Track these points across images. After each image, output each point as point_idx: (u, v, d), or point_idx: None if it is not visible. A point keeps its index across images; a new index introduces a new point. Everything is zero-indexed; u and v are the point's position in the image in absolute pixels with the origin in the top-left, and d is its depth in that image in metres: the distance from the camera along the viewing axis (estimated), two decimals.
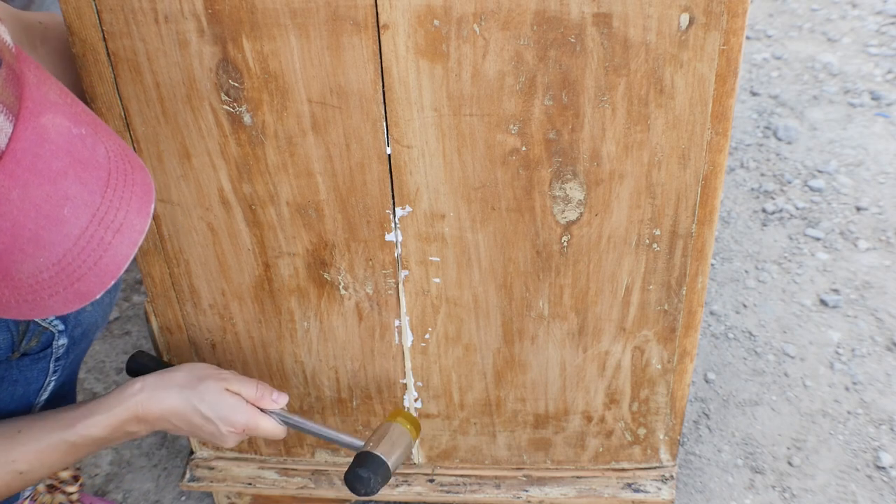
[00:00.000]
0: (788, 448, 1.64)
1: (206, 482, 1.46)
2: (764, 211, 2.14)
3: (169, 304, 1.28)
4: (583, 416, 1.34)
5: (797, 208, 2.14)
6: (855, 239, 2.05)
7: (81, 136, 0.81)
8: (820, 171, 2.24)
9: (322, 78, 1.03)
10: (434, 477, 1.44)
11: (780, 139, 2.36)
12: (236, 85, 1.05)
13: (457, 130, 1.06)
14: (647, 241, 1.14)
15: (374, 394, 1.35)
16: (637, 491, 1.39)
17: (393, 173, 1.11)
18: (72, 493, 1.48)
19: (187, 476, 1.46)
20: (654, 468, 1.40)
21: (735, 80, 1.00)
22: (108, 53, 1.04)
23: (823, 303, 1.91)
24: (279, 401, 1.19)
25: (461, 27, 0.98)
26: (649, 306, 1.21)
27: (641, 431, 1.35)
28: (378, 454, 1.15)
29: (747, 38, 2.72)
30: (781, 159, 2.29)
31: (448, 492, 1.42)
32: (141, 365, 1.26)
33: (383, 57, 1.01)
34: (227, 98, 1.06)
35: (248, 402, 1.17)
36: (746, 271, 1.99)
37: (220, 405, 1.14)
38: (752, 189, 2.21)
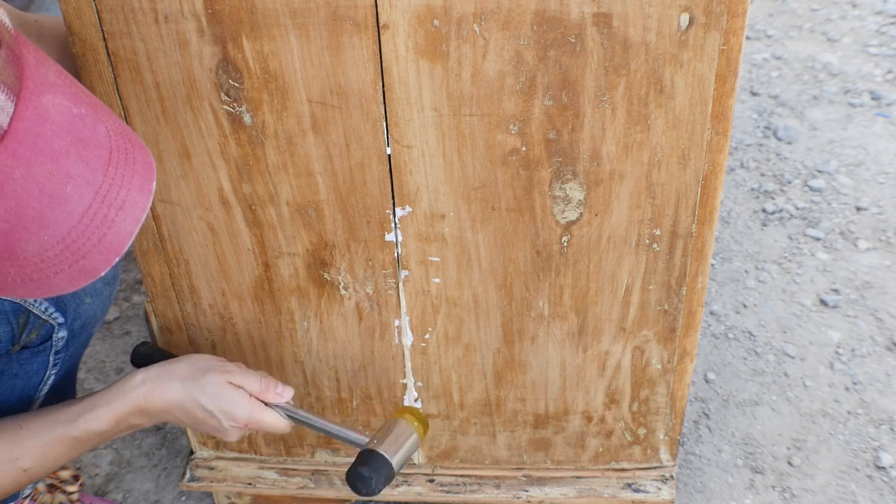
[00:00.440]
0: (788, 448, 1.64)
1: (206, 482, 1.46)
2: (764, 211, 2.14)
3: (169, 304, 1.28)
4: (583, 416, 1.34)
5: (797, 208, 2.14)
6: (855, 239, 2.05)
7: (82, 115, 0.81)
8: (820, 171, 2.24)
9: (322, 78, 1.03)
10: (434, 477, 1.44)
11: (780, 139, 2.36)
12: (236, 85, 1.05)
13: (457, 130, 1.06)
14: (647, 241, 1.14)
15: (374, 394, 1.35)
16: (637, 491, 1.39)
17: (393, 173, 1.11)
18: (72, 493, 1.48)
19: (187, 476, 1.46)
20: (654, 468, 1.40)
21: (735, 80, 1.00)
22: (108, 53, 1.04)
23: (823, 303, 1.91)
24: (284, 394, 1.16)
25: (461, 27, 0.98)
26: (649, 306, 1.21)
27: (641, 431, 1.35)
28: (381, 453, 1.12)
29: (747, 38, 2.72)
30: (781, 159, 2.29)
31: (448, 492, 1.42)
32: (145, 356, 1.25)
33: (383, 57, 1.01)
34: (227, 98, 1.06)
35: (251, 395, 1.14)
36: (746, 271, 1.99)
37: (222, 399, 1.12)
38: (752, 189, 2.21)
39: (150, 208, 1.17)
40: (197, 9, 0.99)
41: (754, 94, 2.53)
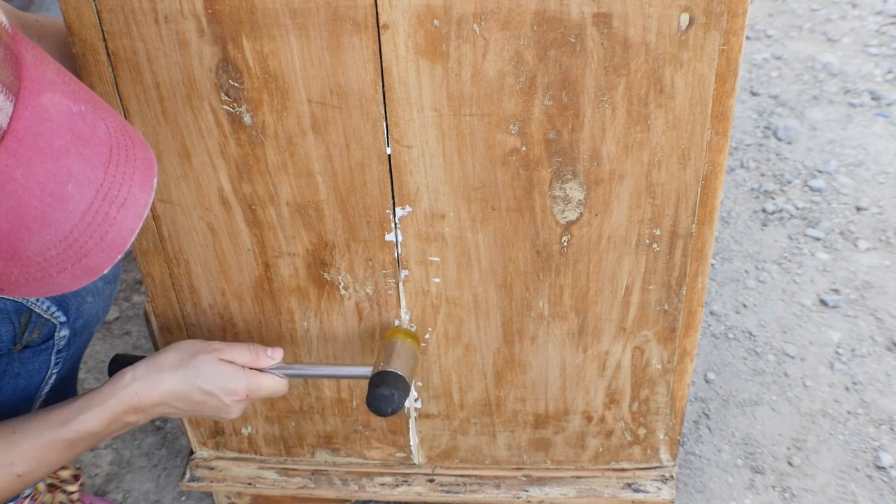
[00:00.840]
0: (788, 448, 1.64)
1: (206, 482, 1.46)
2: (764, 211, 2.14)
3: (169, 304, 1.28)
4: (583, 416, 1.34)
5: (797, 208, 2.14)
6: (855, 239, 2.05)
7: (81, 113, 0.81)
8: (820, 171, 2.24)
9: (322, 78, 1.03)
10: (434, 477, 1.44)
11: (780, 139, 2.36)
12: (236, 85, 1.05)
13: (457, 130, 1.06)
14: (647, 241, 1.14)
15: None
16: (637, 491, 1.39)
17: (393, 173, 1.11)
18: (72, 493, 1.48)
19: (187, 476, 1.46)
20: (654, 468, 1.40)
21: (735, 80, 1.00)
22: (108, 53, 1.04)
23: (823, 303, 1.91)
24: (275, 356, 1.17)
25: (461, 27, 0.98)
26: (649, 306, 1.21)
27: (641, 431, 1.35)
28: (393, 370, 1.15)
29: (747, 38, 2.72)
30: (781, 159, 2.29)
31: (448, 492, 1.42)
32: (122, 366, 1.24)
33: (383, 57, 1.01)
34: (227, 98, 1.06)
35: (244, 366, 1.15)
36: (746, 271, 1.99)
37: (218, 376, 1.13)
38: (752, 189, 2.21)
39: (151, 207, 1.17)
40: (197, 9, 0.99)
41: (754, 94, 2.53)
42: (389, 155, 1.09)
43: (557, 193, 1.10)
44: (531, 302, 1.21)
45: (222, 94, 1.06)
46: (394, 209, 1.14)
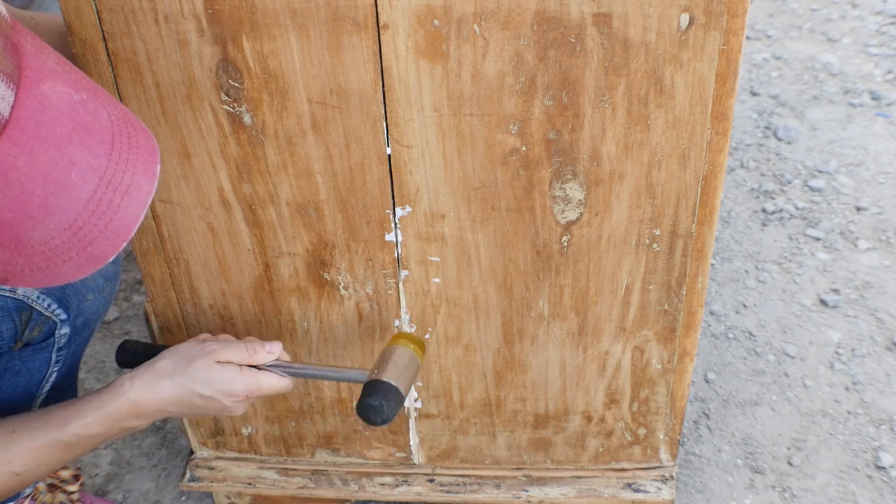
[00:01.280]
0: (788, 448, 1.64)
1: (206, 482, 1.46)
2: (764, 211, 2.14)
3: (169, 304, 1.28)
4: (583, 416, 1.34)
5: (797, 208, 2.14)
6: (855, 239, 2.05)
7: (83, 101, 0.81)
8: (820, 171, 2.24)
9: (322, 78, 1.03)
10: (434, 477, 1.44)
11: (780, 139, 2.36)
12: (236, 85, 1.05)
13: (457, 130, 1.06)
14: (647, 241, 1.14)
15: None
16: (637, 491, 1.39)
17: (393, 173, 1.11)
18: (72, 493, 1.48)
19: (187, 476, 1.46)
20: (654, 468, 1.40)
21: (735, 80, 1.00)
22: (108, 53, 1.04)
23: (823, 303, 1.91)
24: (273, 350, 1.15)
25: (461, 27, 0.98)
26: (649, 306, 1.21)
27: (641, 431, 1.35)
28: (385, 380, 1.11)
29: (747, 38, 2.72)
30: (781, 159, 2.29)
31: (448, 492, 1.42)
32: (131, 353, 1.23)
33: (383, 57, 1.01)
34: (227, 98, 1.06)
35: (242, 366, 1.13)
36: (746, 271, 1.99)
37: (216, 380, 1.11)
38: (752, 189, 2.21)
39: (150, 208, 1.17)
40: (197, 9, 0.99)
41: (754, 94, 2.53)
42: (389, 155, 1.09)
43: (557, 193, 1.10)
44: (531, 302, 1.21)
45: (222, 94, 1.06)
46: (394, 209, 1.14)
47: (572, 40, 0.98)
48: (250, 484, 1.45)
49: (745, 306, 1.91)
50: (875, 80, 2.54)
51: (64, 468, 1.49)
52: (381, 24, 0.99)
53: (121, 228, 0.82)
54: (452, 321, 1.24)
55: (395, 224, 1.15)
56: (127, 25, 1.02)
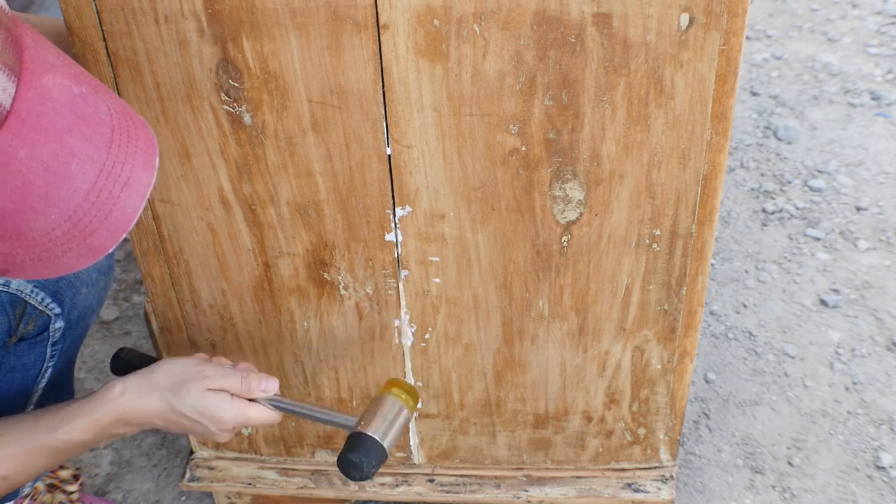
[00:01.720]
0: (788, 448, 1.64)
1: (206, 482, 1.46)
2: (764, 211, 2.14)
3: (169, 304, 1.28)
4: (583, 416, 1.34)
5: (797, 208, 2.14)
6: (855, 239, 2.05)
7: (83, 94, 0.82)
8: (820, 171, 2.24)
9: (322, 78, 1.03)
10: (434, 477, 1.44)
11: (780, 139, 2.36)
12: (236, 85, 1.05)
13: (457, 130, 1.06)
14: (647, 241, 1.14)
15: (373, 394, 1.34)
16: (637, 491, 1.39)
17: (393, 173, 1.11)
18: (72, 493, 1.48)
19: (187, 476, 1.46)
20: (654, 468, 1.40)
21: (735, 80, 1.00)
22: (108, 53, 1.04)
23: (823, 303, 1.91)
24: (268, 388, 1.14)
25: (461, 27, 0.98)
26: (649, 306, 1.21)
27: (641, 431, 1.35)
28: (370, 434, 1.08)
29: (747, 38, 2.72)
30: (781, 159, 2.29)
31: (448, 492, 1.42)
32: (125, 362, 1.23)
33: (383, 57, 1.01)
34: (227, 98, 1.06)
35: (234, 395, 1.12)
36: (746, 271, 1.99)
37: (204, 406, 1.10)
38: (752, 189, 2.21)
39: (150, 208, 1.17)
40: (197, 9, 0.99)
41: (754, 94, 2.53)
42: (389, 155, 1.09)
43: (557, 193, 1.10)
44: (531, 302, 1.21)
45: (222, 94, 1.06)
46: (394, 209, 1.14)
47: (572, 40, 0.98)
48: (250, 484, 1.45)
49: (745, 306, 1.91)
50: (875, 80, 2.54)
51: (63, 468, 1.49)
52: (381, 24, 0.99)
53: (120, 220, 0.83)
54: (452, 321, 1.24)
55: (395, 224, 1.15)
56: (127, 25, 1.02)
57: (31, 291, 1.17)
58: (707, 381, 1.76)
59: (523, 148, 1.07)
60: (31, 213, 0.79)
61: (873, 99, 2.47)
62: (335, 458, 1.44)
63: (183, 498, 1.60)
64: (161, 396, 1.10)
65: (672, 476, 1.40)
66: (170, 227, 1.19)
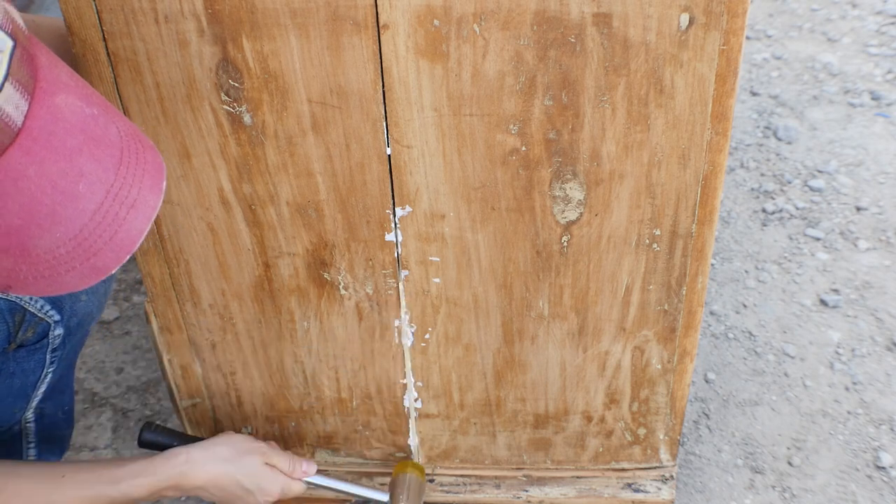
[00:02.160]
0: (788, 448, 1.64)
1: None
2: (764, 211, 2.14)
3: (169, 304, 1.28)
4: (583, 416, 1.34)
5: (797, 208, 2.14)
6: (855, 239, 2.05)
7: (94, 115, 0.82)
8: (820, 171, 2.24)
9: (322, 78, 1.03)
10: (434, 477, 1.44)
11: (780, 139, 2.36)
12: (236, 85, 1.05)
13: (457, 130, 1.06)
14: (647, 241, 1.14)
15: (374, 394, 1.35)
16: (637, 491, 1.39)
17: (393, 173, 1.11)
18: None
19: None
20: (654, 468, 1.40)
21: (735, 80, 1.00)
22: (108, 53, 1.04)
23: (823, 303, 1.91)
24: (309, 471, 1.30)
25: (461, 27, 0.98)
26: (649, 306, 1.21)
27: (641, 431, 1.35)
28: None
29: (747, 38, 2.72)
30: (781, 159, 2.29)
31: (448, 492, 1.42)
32: (155, 435, 1.31)
33: (383, 57, 1.01)
34: (227, 98, 1.06)
35: (281, 472, 1.27)
36: (746, 271, 1.99)
37: (261, 478, 1.24)
38: (752, 189, 2.21)
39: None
40: (197, 9, 0.99)
41: (754, 94, 2.53)
42: (389, 155, 1.09)
43: (557, 193, 1.10)
44: (531, 302, 1.21)
45: (222, 94, 1.06)
46: (394, 209, 1.14)
47: (572, 40, 0.98)
48: None
49: (745, 306, 1.91)
50: (875, 80, 2.54)
51: None
52: (381, 24, 0.99)
53: (125, 241, 0.83)
54: (452, 321, 1.24)
55: (395, 224, 1.15)
56: (127, 25, 1.02)
57: (31, 299, 1.17)
58: (707, 381, 1.76)
59: (523, 148, 1.07)
60: (36, 230, 0.79)
61: (873, 99, 2.47)
62: (335, 459, 1.45)
63: (183, 498, 1.60)
64: (224, 465, 1.22)
65: (672, 476, 1.40)
66: (170, 227, 1.19)
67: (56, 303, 1.21)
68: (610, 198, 1.10)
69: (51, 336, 1.22)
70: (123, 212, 0.82)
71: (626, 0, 0.95)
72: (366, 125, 1.07)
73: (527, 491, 1.41)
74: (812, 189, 2.19)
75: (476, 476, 1.43)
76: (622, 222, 1.13)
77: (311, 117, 1.07)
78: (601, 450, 1.38)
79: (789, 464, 1.61)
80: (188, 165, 1.13)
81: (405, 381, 1.33)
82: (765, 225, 2.11)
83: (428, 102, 1.04)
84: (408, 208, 1.14)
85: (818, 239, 2.05)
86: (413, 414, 1.37)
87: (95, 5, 1.00)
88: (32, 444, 1.36)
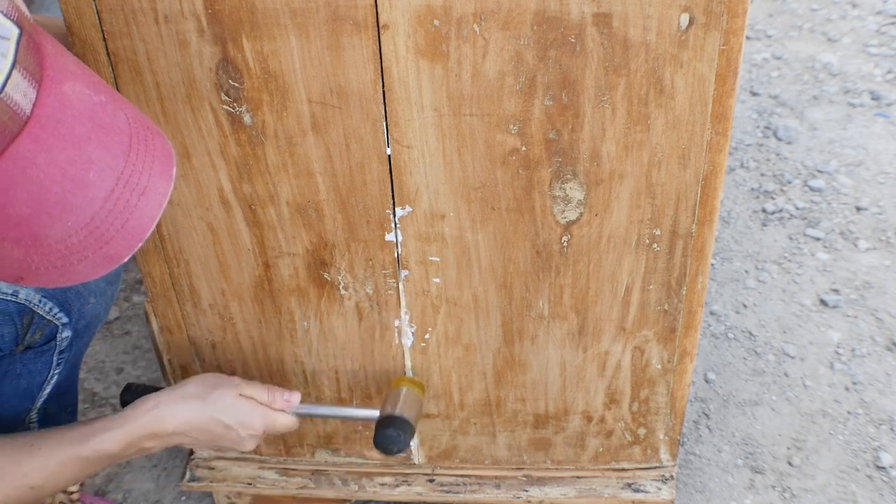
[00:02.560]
0: (788, 448, 1.64)
1: (206, 482, 1.46)
2: (764, 211, 2.14)
3: (169, 304, 1.28)
4: (583, 416, 1.34)
5: (797, 208, 2.14)
6: (855, 239, 2.05)
7: (102, 103, 0.82)
8: (820, 171, 2.24)
9: (322, 78, 1.03)
10: (434, 477, 1.44)
11: (780, 139, 2.36)
12: (236, 85, 1.05)
13: (457, 130, 1.06)
14: (647, 241, 1.14)
15: (373, 394, 1.35)
16: (637, 491, 1.39)
17: (393, 173, 1.11)
18: (72, 493, 1.48)
19: (187, 476, 1.46)
20: (654, 468, 1.40)
21: (735, 80, 1.00)
22: (108, 53, 1.04)
23: (823, 303, 1.91)
24: (292, 400, 1.22)
25: (461, 27, 0.98)
26: (649, 306, 1.21)
27: (641, 431, 1.35)
28: (400, 415, 1.23)
29: (747, 38, 2.72)
30: (781, 159, 2.29)
31: (448, 492, 1.42)
32: (136, 395, 1.26)
33: (383, 57, 1.01)
34: (227, 98, 1.06)
35: (261, 403, 1.19)
36: (746, 271, 1.99)
37: (237, 411, 1.17)
38: (752, 189, 2.21)
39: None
40: (197, 9, 0.99)
41: (754, 94, 2.53)
42: (389, 155, 1.09)
43: (557, 193, 1.10)
44: (531, 302, 1.21)
45: (222, 94, 1.06)
46: (394, 209, 1.14)
47: (572, 40, 0.98)
48: (250, 484, 1.45)
49: (745, 306, 1.91)
50: (875, 80, 2.54)
51: (75, 484, 1.49)
52: (381, 24, 0.99)
53: (137, 229, 0.83)
54: (452, 321, 1.24)
55: (395, 224, 1.15)
56: (127, 25, 1.02)
57: (40, 301, 1.17)
58: (707, 381, 1.77)
59: (523, 148, 1.07)
60: (47, 218, 0.79)
61: (873, 99, 2.47)
62: (335, 459, 1.45)
63: (183, 498, 1.60)
64: (194, 404, 1.15)
65: (672, 476, 1.40)
66: (170, 227, 1.19)
67: (64, 305, 1.21)
68: (610, 198, 1.10)
69: (58, 338, 1.22)
70: (134, 199, 0.82)
71: (626, 0, 0.95)
72: (366, 125, 1.07)
73: (527, 491, 1.41)
74: (812, 189, 2.19)
75: (476, 476, 1.43)
76: (622, 222, 1.13)
77: (311, 117, 1.07)
78: (601, 450, 1.38)
79: (789, 464, 1.61)
80: (188, 165, 1.13)
81: None
82: (765, 225, 2.11)
83: (428, 102, 1.04)
84: (408, 208, 1.14)
85: (818, 239, 2.06)
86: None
87: (95, 5, 1.00)
88: None
